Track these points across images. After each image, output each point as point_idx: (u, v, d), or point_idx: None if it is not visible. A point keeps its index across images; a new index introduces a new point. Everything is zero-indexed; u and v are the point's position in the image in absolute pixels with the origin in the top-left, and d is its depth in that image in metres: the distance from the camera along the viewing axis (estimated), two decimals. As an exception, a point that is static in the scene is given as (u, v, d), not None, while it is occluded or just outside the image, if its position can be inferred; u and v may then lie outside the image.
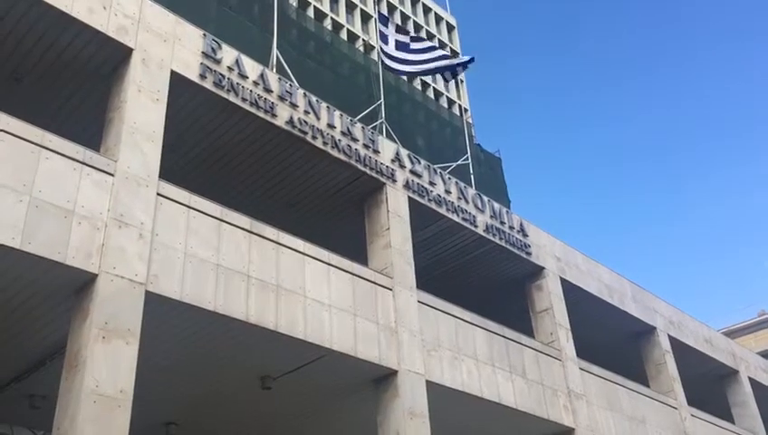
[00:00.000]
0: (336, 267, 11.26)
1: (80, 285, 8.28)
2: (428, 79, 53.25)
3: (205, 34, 10.87)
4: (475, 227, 14.54)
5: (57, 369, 8.32)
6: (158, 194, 9.21)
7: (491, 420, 13.68)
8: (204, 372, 10.99)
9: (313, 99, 12.11)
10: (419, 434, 11.04)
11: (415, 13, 60.54)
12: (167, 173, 9.55)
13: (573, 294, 16.58)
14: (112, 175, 8.82)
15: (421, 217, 13.59)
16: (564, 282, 16.45)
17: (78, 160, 8.58)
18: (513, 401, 13.25)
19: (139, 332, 8.20)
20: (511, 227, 15.48)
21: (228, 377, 11.25)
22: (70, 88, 10.45)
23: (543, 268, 16.07)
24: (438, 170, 14.42)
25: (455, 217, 14.12)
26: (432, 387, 11.71)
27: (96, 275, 8.17)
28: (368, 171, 12.66)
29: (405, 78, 19.91)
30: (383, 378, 11.44)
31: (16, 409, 11.46)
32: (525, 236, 15.81)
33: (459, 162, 17.66)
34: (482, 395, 12.70)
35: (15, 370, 10.44)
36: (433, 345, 12.29)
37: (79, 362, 7.79)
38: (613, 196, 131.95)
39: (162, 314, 8.93)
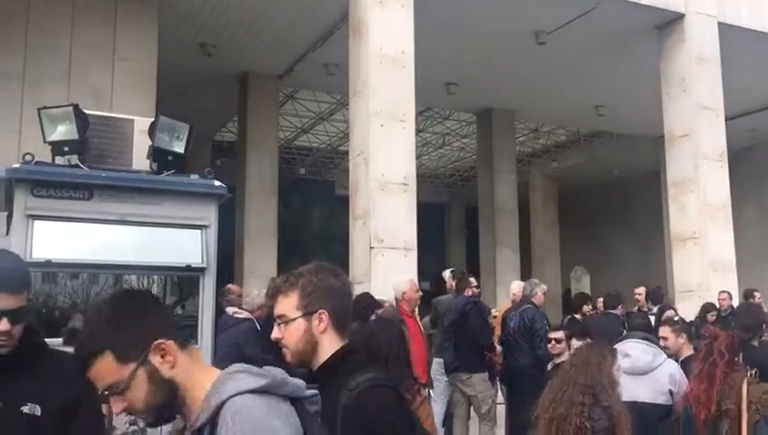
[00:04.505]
0: None
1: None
2: None
3: None
4: None
5: (344, 37, 8.94)
6: None
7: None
8: (477, 31, 11.05)
9: None
10: (707, 80, 10.36)
11: None
12: None
13: None
14: None
15: None
16: None
17: None
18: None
19: (413, -6, 8.31)
20: None
21: (502, 35, 11.23)
22: None
23: None
24: None
25: None
26: (725, 29, 10.62)
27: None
28: None
29: None
30: (667, 23, 10.60)
31: (315, 76, 12.86)
32: None
33: None
34: (789, 35, 11.29)
35: (309, 41, 11.50)
36: (729, -19, 10.87)
37: (361, 28, 8.25)
38: None
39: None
